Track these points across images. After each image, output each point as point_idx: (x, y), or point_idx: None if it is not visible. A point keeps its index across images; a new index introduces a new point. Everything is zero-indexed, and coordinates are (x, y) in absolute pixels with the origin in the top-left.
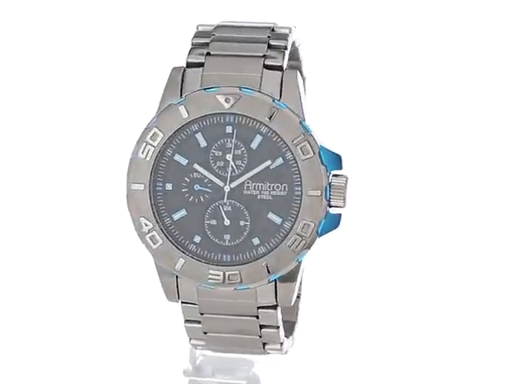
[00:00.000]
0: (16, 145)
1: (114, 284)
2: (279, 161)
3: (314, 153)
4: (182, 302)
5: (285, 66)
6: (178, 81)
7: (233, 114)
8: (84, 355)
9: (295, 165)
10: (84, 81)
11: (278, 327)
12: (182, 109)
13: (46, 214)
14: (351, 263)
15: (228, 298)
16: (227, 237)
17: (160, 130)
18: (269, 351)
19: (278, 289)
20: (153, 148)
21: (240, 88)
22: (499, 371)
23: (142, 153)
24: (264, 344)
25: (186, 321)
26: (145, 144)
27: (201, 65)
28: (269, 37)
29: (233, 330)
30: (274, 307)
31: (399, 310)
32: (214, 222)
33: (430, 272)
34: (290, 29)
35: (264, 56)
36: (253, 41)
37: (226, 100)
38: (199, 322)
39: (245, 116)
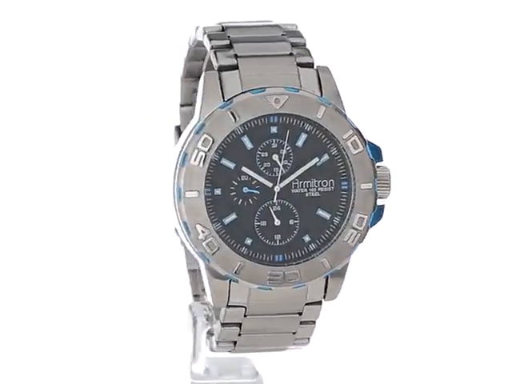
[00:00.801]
0: (16, 145)
1: (116, 285)
2: (325, 157)
3: (364, 147)
4: (229, 306)
5: (315, 63)
6: (217, 84)
7: (279, 114)
8: (85, 357)
9: (341, 160)
10: (81, 82)
11: (315, 322)
12: (232, 113)
13: (46, 214)
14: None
15: (279, 298)
16: (278, 237)
17: (211, 136)
18: (293, 347)
19: (328, 284)
20: (205, 154)
21: (285, 88)
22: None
23: (195, 160)
24: (295, 340)
25: (224, 324)
26: (197, 151)
27: (234, 67)
28: (283, 35)
29: (271, 329)
30: (320, 302)
31: (402, 310)
32: (264, 223)
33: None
34: (295, 25)
35: (291, 54)
36: (274, 39)
37: (276, 101)
38: (238, 325)
39: (293, 115)
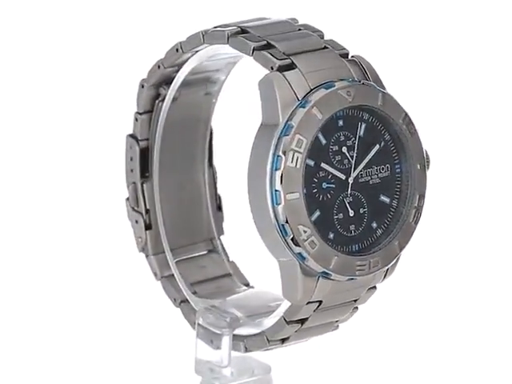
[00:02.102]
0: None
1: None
2: (382, 143)
3: (416, 129)
4: (308, 303)
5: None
6: (287, 84)
7: (351, 107)
8: (88, 360)
9: (393, 144)
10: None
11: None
12: (315, 110)
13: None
14: None
15: (350, 287)
16: (352, 227)
17: (302, 136)
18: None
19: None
20: (301, 155)
21: (347, 80)
22: None
23: (292, 161)
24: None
25: (291, 322)
26: (292, 152)
27: (291, 66)
28: (300, 29)
29: (327, 319)
30: (375, 287)
31: (403, 311)
32: (340, 215)
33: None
34: (296, 19)
35: (325, 47)
36: (303, 35)
37: (348, 93)
38: (302, 321)
39: (359, 106)
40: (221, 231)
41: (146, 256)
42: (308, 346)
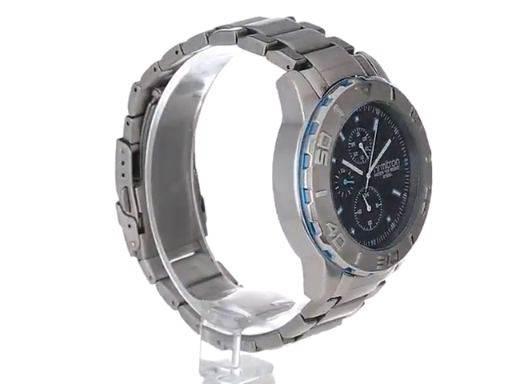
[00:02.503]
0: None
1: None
2: (393, 138)
3: (422, 122)
4: (329, 300)
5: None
6: (306, 82)
7: (368, 103)
8: (83, 362)
9: (401, 138)
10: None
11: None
12: (337, 108)
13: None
14: None
15: (368, 281)
16: (370, 222)
17: (328, 134)
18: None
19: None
20: (327, 153)
21: (361, 77)
22: None
23: (319, 159)
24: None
25: (309, 319)
26: (319, 150)
27: (305, 65)
28: (302, 27)
29: (339, 316)
30: (384, 282)
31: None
32: (360, 211)
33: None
34: (294, 18)
35: (332, 44)
36: (310, 33)
37: (364, 90)
38: (319, 318)
39: (374, 102)
40: (205, 231)
41: (139, 260)
42: (308, 345)
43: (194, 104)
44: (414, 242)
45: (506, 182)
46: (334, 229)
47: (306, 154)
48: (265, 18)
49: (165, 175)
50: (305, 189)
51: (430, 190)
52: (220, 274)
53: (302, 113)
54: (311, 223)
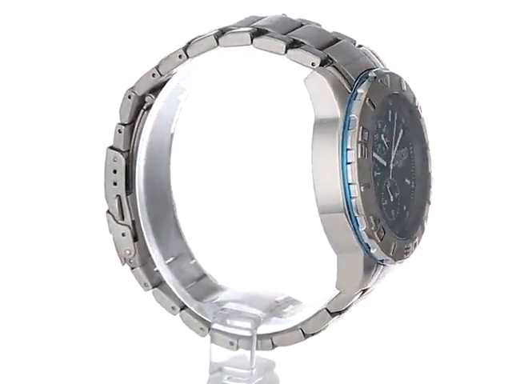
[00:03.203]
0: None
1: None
2: (404, 127)
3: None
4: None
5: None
6: (335, 78)
7: (389, 94)
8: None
9: (407, 127)
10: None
11: None
12: (369, 102)
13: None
14: None
15: (391, 270)
16: (393, 212)
17: (365, 128)
18: None
19: None
20: (367, 146)
21: (378, 69)
22: None
23: (361, 154)
24: None
25: (335, 313)
26: (361, 145)
27: (327, 60)
28: (302, 24)
29: (356, 305)
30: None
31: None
32: (386, 201)
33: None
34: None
35: (337, 39)
36: (317, 29)
37: (385, 82)
38: (342, 311)
39: (393, 93)
40: (183, 233)
41: (132, 268)
42: (309, 344)
43: (176, 108)
44: (424, 230)
45: (505, 181)
46: (376, 222)
47: (348, 149)
48: (261, 17)
49: (156, 181)
50: (349, 183)
51: (429, 174)
52: (205, 275)
53: (337, 108)
54: (355, 217)
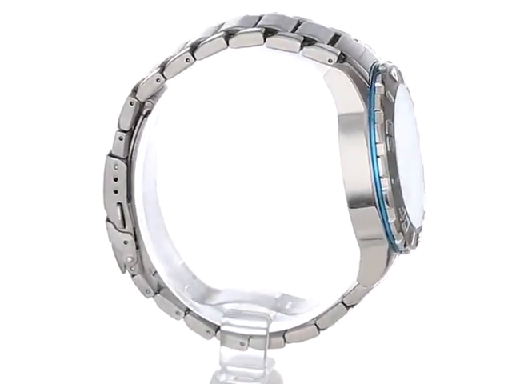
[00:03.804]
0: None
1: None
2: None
3: None
4: None
5: None
6: (354, 73)
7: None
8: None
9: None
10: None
11: None
12: (389, 94)
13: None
14: None
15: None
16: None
17: (390, 121)
18: None
19: None
20: (393, 139)
21: (384, 63)
22: None
23: (390, 147)
24: None
25: (350, 306)
26: (388, 138)
27: (341, 56)
28: (300, 22)
29: None
30: None
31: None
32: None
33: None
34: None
35: (338, 34)
36: (318, 26)
37: (391, 75)
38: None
39: (400, 85)
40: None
41: (133, 276)
42: (309, 343)
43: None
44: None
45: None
46: (403, 213)
47: (377, 143)
48: (256, 16)
49: (151, 186)
50: (380, 177)
51: (422, 165)
52: (195, 277)
53: (361, 102)
54: (386, 210)
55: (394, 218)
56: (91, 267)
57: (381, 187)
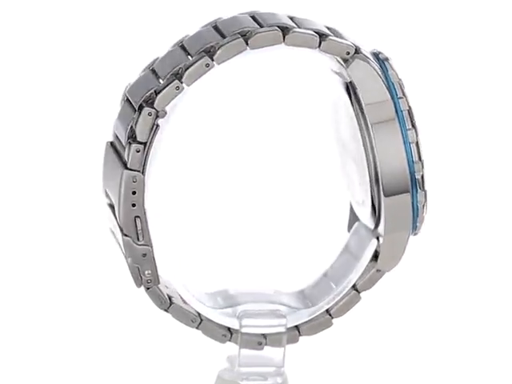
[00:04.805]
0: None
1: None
2: None
3: None
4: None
5: None
6: (373, 63)
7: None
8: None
9: None
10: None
11: None
12: (401, 82)
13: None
14: None
15: None
16: None
17: (410, 107)
18: None
19: None
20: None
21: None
22: None
23: (418, 133)
24: None
25: (361, 291)
26: (415, 124)
27: (356, 51)
28: (293, 18)
29: None
30: None
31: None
32: None
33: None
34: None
35: (329, 27)
36: (315, 21)
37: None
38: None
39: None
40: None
41: (148, 289)
42: (310, 342)
43: None
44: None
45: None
46: (427, 196)
47: (408, 129)
48: (253, 15)
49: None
50: (414, 162)
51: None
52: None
53: (386, 91)
54: (416, 194)
55: (423, 202)
56: (93, 268)
57: (415, 172)
